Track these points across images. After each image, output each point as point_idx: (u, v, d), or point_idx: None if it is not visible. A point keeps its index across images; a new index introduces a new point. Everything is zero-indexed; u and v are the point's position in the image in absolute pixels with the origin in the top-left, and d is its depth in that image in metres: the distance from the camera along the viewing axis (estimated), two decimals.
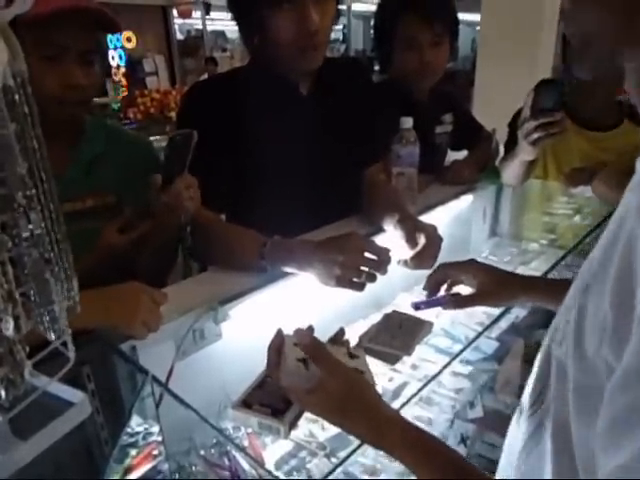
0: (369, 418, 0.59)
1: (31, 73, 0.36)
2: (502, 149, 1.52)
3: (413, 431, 0.58)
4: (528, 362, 1.38)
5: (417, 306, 0.91)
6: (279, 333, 0.68)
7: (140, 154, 1.11)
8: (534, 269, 1.42)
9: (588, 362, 0.43)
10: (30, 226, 0.37)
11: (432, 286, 0.91)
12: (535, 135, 1.13)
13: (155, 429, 0.76)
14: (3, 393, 0.39)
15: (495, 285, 0.86)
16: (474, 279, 0.86)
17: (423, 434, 0.58)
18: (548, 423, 0.51)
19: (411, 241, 0.95)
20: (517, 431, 0.59)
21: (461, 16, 1.45)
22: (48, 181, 0.39)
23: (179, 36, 8.64)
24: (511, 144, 1.39)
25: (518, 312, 1.29)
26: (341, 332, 0.78)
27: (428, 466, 0.55)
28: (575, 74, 0.48)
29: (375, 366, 0.95)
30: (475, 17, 3.68)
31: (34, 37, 0.82)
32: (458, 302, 0.88)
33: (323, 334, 1.02)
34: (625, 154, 1.43)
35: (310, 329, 0.73)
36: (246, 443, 0.83)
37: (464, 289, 0.89)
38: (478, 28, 3.40)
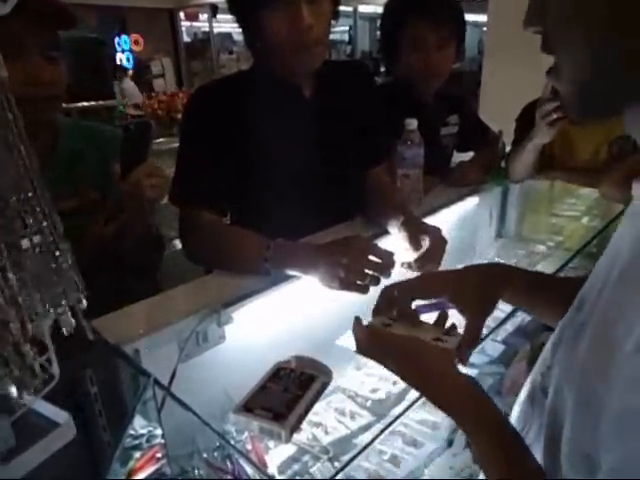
0: (446, 387, 0.57)
1: None
2: (509, 148, 1.51)
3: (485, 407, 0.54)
4: (533, 365, 1.37)
5: (420, 309, 0.90)
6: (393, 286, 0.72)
7: (118, 147, 1.12)
8: (541, 271, 1.41)
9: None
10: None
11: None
12: (554, 115, 1.18)
13: (159, 431, 0.76)
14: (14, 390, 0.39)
15: (476, 303, 0.70)
16: (459, 303, 0.72)
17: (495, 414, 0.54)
18: (537, 451, 0.51)
19: (415, 243, 0.94)
20: None
21: (468, 17, 1.44)
22: (39, 186, 0.39)
23: (186, 39, 8.69)
24: (519, 139, 1.39)
25: (524, 315, 1.28)
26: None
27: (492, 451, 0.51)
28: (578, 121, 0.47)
29: (379, 369, 0.95)
30: (482, 18, 3.67)
31: None
32: (472, 341, 0.70)
33: (326, 337, 1.01)
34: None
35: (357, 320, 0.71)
36: (249, 447, 0.83)
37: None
38: (485, 29, 3.39)
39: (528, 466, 0.48)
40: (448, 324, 0.73)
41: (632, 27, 0.37)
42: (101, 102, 5.87)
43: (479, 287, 0.70)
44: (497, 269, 0.74)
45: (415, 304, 0.93)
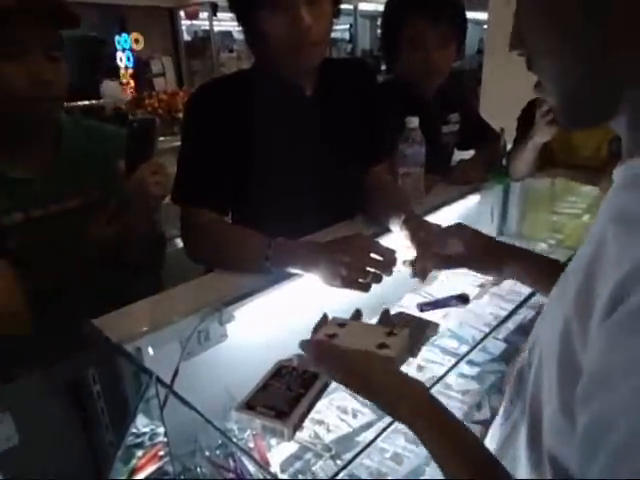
0: (392, 393, 0.58)
1: None
2: (510, 147, 1.51)
3: (437, 410, 0.55)
4: None
5: (422, 307, 0.91)
6: (324, 317, 0.78)
7: (120, 146, 1.12)
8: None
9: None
10: None
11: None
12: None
13: (161, 430, 0.76)
14: None
15: (482, 249, 0.84)
16: (461, 241, 0.85)
17: (447, 416, 0.54)
18: (522, 427, 0.51)
19: (417, 241, 0.94)
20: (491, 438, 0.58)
21: (468, 15, 1.43)
22: None
23: (186, 37, 8.67)
24: (521, 138, 1.39)
25: (526, 313, 1.28)
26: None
27: (447, 453, 0.51)
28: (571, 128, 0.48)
29: None
30: (482, 16, 3.66)
31: None
32: (444, 261, 0.86)
33: None
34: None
35: (358, 313, 0.80)
36: (251, 445, 0.83)
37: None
38: (485, 27, 3.38)
39: (488, 467, 0.48)
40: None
41: (601, 50, 0.39)
42: (99, 101, 5.85)
43: (485, 246, 0.83)
44: (509, 245, 0.87)
45: (419, 302, 0.94)
